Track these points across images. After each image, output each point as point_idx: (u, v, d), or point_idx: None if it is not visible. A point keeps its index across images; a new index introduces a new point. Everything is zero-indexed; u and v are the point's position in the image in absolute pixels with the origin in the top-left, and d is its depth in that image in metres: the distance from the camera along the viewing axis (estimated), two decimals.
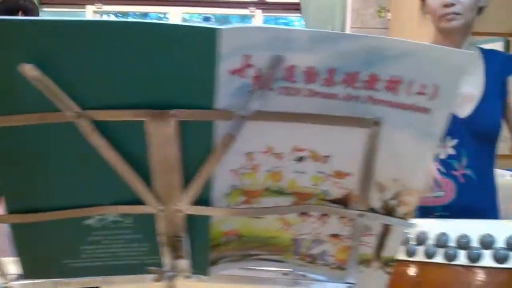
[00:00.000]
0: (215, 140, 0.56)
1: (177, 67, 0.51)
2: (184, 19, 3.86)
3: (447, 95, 0.51)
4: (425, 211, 1.33)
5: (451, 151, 1.30)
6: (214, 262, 0.68)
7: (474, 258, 0.82)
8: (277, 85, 0.53)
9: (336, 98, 0.54)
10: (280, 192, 0.63)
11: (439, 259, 0.86)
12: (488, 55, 1.38)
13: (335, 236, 0.66)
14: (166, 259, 0.63)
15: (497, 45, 2.92)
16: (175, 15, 3.62)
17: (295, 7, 3.56)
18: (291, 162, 0.60)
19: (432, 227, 0.91)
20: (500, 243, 0.82)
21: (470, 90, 1.32)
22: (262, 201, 0.63)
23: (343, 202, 0.62)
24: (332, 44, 0.50)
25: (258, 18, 3.64)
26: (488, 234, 0.83)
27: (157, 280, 0.62)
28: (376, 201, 0.61)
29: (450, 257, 0.84)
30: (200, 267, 0.67)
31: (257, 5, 3.60)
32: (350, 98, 0.54)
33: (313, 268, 0.70)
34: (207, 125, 0.55)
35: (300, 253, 0.69)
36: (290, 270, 0.71)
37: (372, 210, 0.61)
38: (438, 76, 0.51)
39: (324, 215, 0.64)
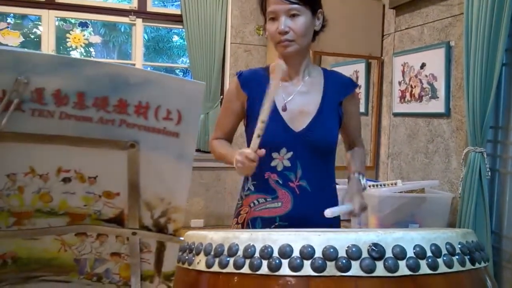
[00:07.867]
0: None
1: None
2: (58, 24, 3.66)
3: (189, 120, 0.55)
4: (265, 221, 1.39)
5: (287, 163, 1.37)
6: None
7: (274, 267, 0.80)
8: (28, 107, 0.53)
9: (92, 121, 0.55)
10: (52, 213, 0.62)
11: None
12: (328, 76, 1.49)
13: (115, 254, 0.67)
14: None
15: (360, 66, 3.22)
16: (49, 19, 3.41)
17: (177, 19, 3.55)
18: (58, 183, 0.60)
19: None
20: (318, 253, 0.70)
21: (306, 107, 1.41)
22: (36, 222, 0.62)
23: (117, 221, 0.63)
24: (77, 69, 0.52)
25: (138, 27, 3.57)
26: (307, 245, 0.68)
27: None
28: (147, 220, 0.63)
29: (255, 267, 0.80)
30: None
31: (137, 13, 3.53)
32: (105, 122, 0.55)
33: (100, 287, 0.70)
34: None
35: (85, 273, 0.69)
36: None
37: (146, 228, 0.63)
38: (179, 103, 0.54)
39: (102, 234, 0.65)
